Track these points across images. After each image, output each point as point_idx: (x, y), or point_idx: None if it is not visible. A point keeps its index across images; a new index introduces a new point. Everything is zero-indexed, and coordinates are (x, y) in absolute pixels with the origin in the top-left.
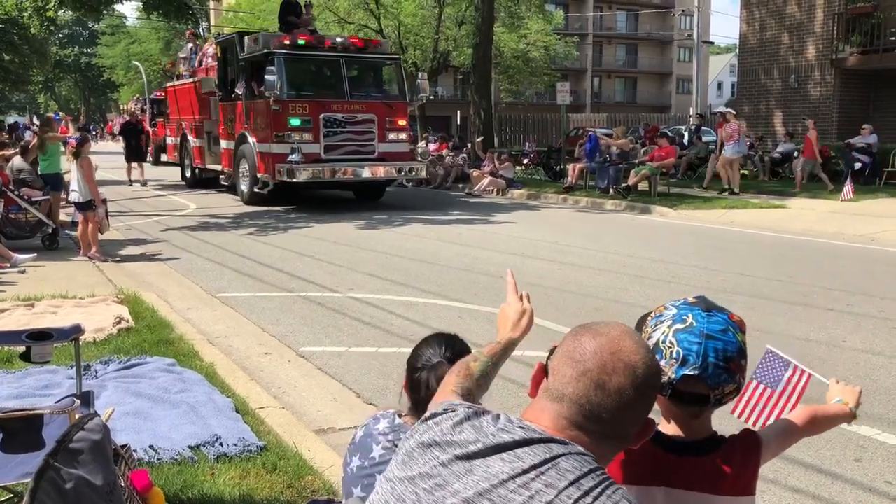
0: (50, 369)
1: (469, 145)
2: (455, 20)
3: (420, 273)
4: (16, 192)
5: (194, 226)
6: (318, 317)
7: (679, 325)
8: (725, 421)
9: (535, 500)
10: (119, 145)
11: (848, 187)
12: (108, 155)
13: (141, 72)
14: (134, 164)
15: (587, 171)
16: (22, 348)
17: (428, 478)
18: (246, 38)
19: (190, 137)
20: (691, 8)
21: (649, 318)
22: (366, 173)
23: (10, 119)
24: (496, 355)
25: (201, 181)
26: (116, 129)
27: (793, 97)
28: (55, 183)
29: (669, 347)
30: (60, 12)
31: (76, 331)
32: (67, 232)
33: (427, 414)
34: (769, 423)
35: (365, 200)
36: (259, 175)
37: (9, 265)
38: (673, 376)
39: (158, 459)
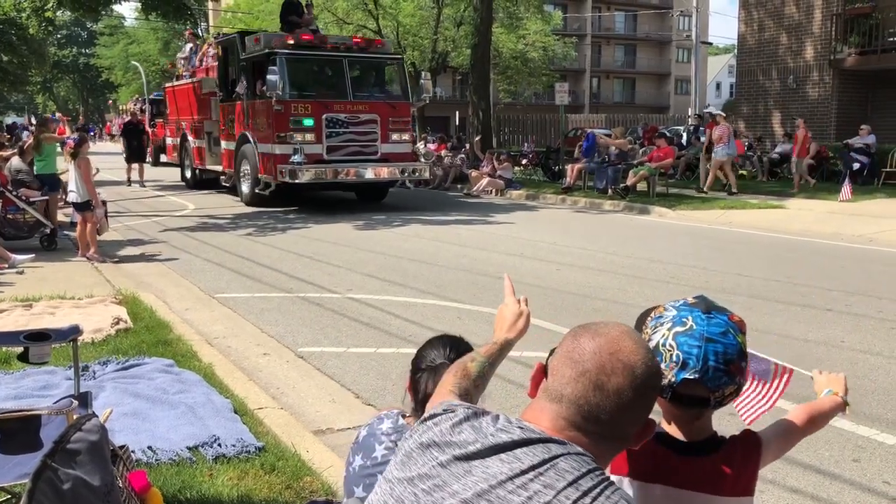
0: (48, 370)
1: (468, 146)
2: (453, 21)
3: (419, 273)
4: (14, 193)
5: (193, 226)
6: (317, 317)
7: (679, 328)
8: (726, 421)
9: (534, 500)
10: (118, 146)
11: (846, 188)
12: (106, 155)
13: (140, 72)
14: (134, 165)
15: (586, 172)
16: (20, 349)
17: (427, 478)
18: (247, 37)
19: (190, 138)
20: (690, 8)
21: (649, 318)
22: (369, 174)
23: (9, 120)
24: (493, 356)
25: (201, 182)
26: (115, 130)
27: (791, 98)
28: (52, 183)
29: (669, 351)
30: (59, 13)
31: (74, 331)
32: (66, 232)
33: (426, 414)
34: (754, 416)
35: (365, 202)
36: (260, 176)
37: (7, 266)
38: (673, 380)
39: (157, 460)
